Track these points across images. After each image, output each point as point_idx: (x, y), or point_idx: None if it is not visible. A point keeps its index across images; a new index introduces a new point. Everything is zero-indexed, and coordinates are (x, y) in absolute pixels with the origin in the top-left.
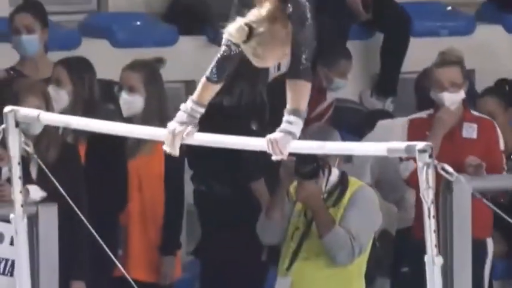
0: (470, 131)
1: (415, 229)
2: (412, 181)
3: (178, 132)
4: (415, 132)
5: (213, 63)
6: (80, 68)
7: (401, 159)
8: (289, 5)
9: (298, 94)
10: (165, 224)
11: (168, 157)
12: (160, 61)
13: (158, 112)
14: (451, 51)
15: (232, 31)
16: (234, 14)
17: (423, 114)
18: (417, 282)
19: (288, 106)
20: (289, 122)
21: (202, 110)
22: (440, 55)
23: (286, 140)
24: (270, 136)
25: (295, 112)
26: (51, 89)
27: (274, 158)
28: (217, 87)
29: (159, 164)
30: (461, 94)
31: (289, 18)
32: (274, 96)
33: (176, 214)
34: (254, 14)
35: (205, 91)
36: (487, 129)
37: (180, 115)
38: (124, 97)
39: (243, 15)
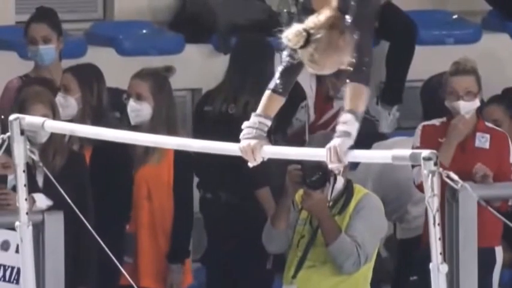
0: (483, 141)
1: (425, 237)
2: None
3: (254, 145)
4: (428, 138)
5: (277, 74)
6: (89, 75)
7: (413, 165)
8: (349, 15)
9: (357, 97)
10: (174, 232)
11: (177, 165)
12: (169, 70)
13: (166, 120)
14: (465, 61)
15: (290, 36)
16: (296, 23)
17: (435, 121)
18: None
19: (345, 107)
20: (345, 122)
21: (269, 123)
22: (454, 64)
23: (346, 145)
24: (329, 144)
25: (351, 112)
26: (59, 96)
27: (330, 167)
28: (283, 100)
29: (167, 172)
30: (476, 103)
31: (350, 25)
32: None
33: (185, 222)
34: (312, 21)
35: (271, 103)
36: (500, 141)
37: (248, 131)
38: (131, 105)
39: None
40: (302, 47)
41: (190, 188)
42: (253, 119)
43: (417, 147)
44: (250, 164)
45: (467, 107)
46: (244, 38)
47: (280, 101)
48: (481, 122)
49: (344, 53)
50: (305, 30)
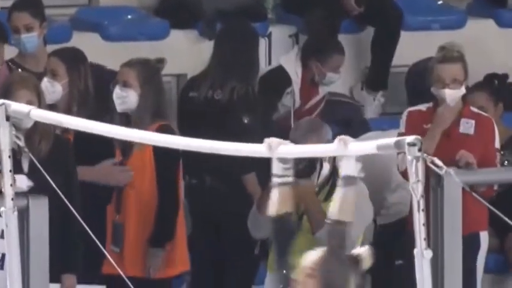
0: (467, 126)
1: (410, 222)
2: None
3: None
4: (413, 124)
5: None
6: (76, 60)
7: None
8: None
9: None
10: (157, 217)
11: (158, 151)
12: (161, 61)
13: (152, 110)
14: (452, 46)
15: None
16: None
17: (421, 107)
18: (411, 275)
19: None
20: None
21: None
22: (441, 50)
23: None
24: None
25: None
26: (45, 81)
27: None
28: None
29: (149, 159)
30: (462, 90)
31: None
32: (266, 89)
33: (168, 207)
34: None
35: None
36: (485, 126)
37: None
38: (117, 91)
39: None
40: None
41: (174, 172)
42: None
43: (402, 134)
44: None
45: (453, 95)
46: (228, 23)
47: None
48: (467, 108)
49: None
50: None
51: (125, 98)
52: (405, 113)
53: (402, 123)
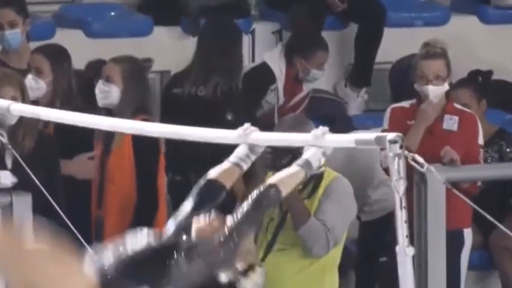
0: (450, 123)
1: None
2: None
3: None
4: (397, 121)
5: None
6: (60, 57)
7: (382, 148)
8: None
9: None
10: (135, 214)
11: (137, 147)
12: (148, 61)
13: (135, 105)
14: (435, 42)
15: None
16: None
17: (405, 103)
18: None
19: None
20: None
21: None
22: (424, 46)
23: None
24: None
25: None
26: (30, 78)
27: None
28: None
29: (128, 155)
30: (445, 86)
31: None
32: (249, 86)
33: (146, 203)
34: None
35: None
36: (468, 122)
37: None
38: (100, 86)
39: None
40: None
41: (153, 168)
42: None
43: (385, 130)
44: None
45: (436, 91)
46: (211, 19)
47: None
48: (450, 104)
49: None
50: None
51: (107, 92)
52: (388, 110)
53: (385, 120)
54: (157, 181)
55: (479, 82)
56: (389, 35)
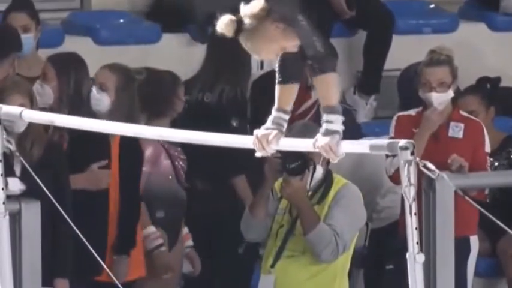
0: (456, 130)
1: (401, 226)
2: (397, 178)
3: (261, 136)
4: (402, 128)
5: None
6: (67, 64)
7: (387, 155)
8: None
9: (325, 89)
10: (119, 223)
11: (122, 156)
12: (140, 73)
13: (124, 115)
14: (441, 49)
15: (222, 25)
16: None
17: (412, 111)
18: (402, 279)
19: (322, 105)
20: (330, 122)
21: (286, 116)
22: (430, 53)
23: (335, 140)
24: (320, 143)
25: (330, 110)
26: (37, 84)
27: (257, 154)
28: (290, 88)
29: (114, 163)
30: (450, 94)
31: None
32: (259, 93)
33: (130, 213)
34: (243, 10)
35: (280, 95)
36: (474, 130)
37: (267, 122)
38: (93, 93)
39: None
40: (234, 36)
41: (136, 177)
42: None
43: (391, 138)
44: (258, 154)
45: (440, 98)
46: None
47: (288, 90)
48: (456, 111)
49: (279, 41)
50: (235, 19)
51: (98, 100)
52: (395, 118)
53: (391, 128)
54: (139, 191)
55: (488, 89)
56: (397, 42)
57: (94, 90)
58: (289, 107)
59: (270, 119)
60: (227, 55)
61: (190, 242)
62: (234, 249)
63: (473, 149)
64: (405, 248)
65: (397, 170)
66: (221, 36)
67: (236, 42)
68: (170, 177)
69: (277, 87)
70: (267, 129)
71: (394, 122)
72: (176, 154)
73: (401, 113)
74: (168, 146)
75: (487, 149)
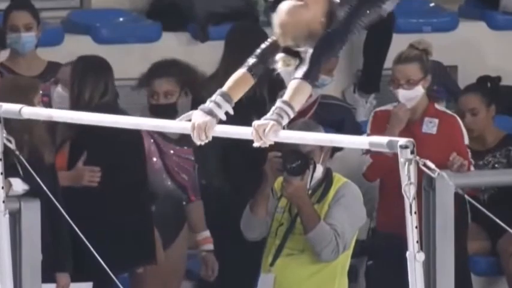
0: (430, 126)
1: (378, 223)
2: (367, 175)
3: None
4: (377, 124)
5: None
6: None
7: (363, 153)
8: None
9: (296, 93)
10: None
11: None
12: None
13: None
14: (418, 44)
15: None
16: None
17: (389, 106)
18: (383, 275)
19: (283, 98)
20: (282, 112)
21: (228, 106)
22: (407, 49)
23: (273, 127)
24: (259, 122)
25: (288, 105)
26: (59, 89)
27: (255, 144)
28: (246, 79)
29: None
30: (419, 90)
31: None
32: (275, 90)
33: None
34: None
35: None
36: (449, 125)
37: (203, 106)
38: (58, 90)
39: None
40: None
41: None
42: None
43: (368, 134)
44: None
45: (406, 95)
46: (238, 25)
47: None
48: (431, 106)
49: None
50: None
51: (63, 97)
52: (372, 114)
53: (368, 124)
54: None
55: (488, 88)
56: (397, 40)
57: (58, 88)
58: (236, 97)
59: (212, 98)
60: (245, 53)
61: (209, 246)
62: (243, 247)
63: (450, 144)
64: (380, 244)
65: (369, 168)
66: (238, 34)
67: (254, 40)
68: (164, 175)
69: (238, 72)
70: (204, 111)
71: (370, 118)
72: (172, 152)
73: (378, 109)
74: (162, 143)
75: (466, 141)
